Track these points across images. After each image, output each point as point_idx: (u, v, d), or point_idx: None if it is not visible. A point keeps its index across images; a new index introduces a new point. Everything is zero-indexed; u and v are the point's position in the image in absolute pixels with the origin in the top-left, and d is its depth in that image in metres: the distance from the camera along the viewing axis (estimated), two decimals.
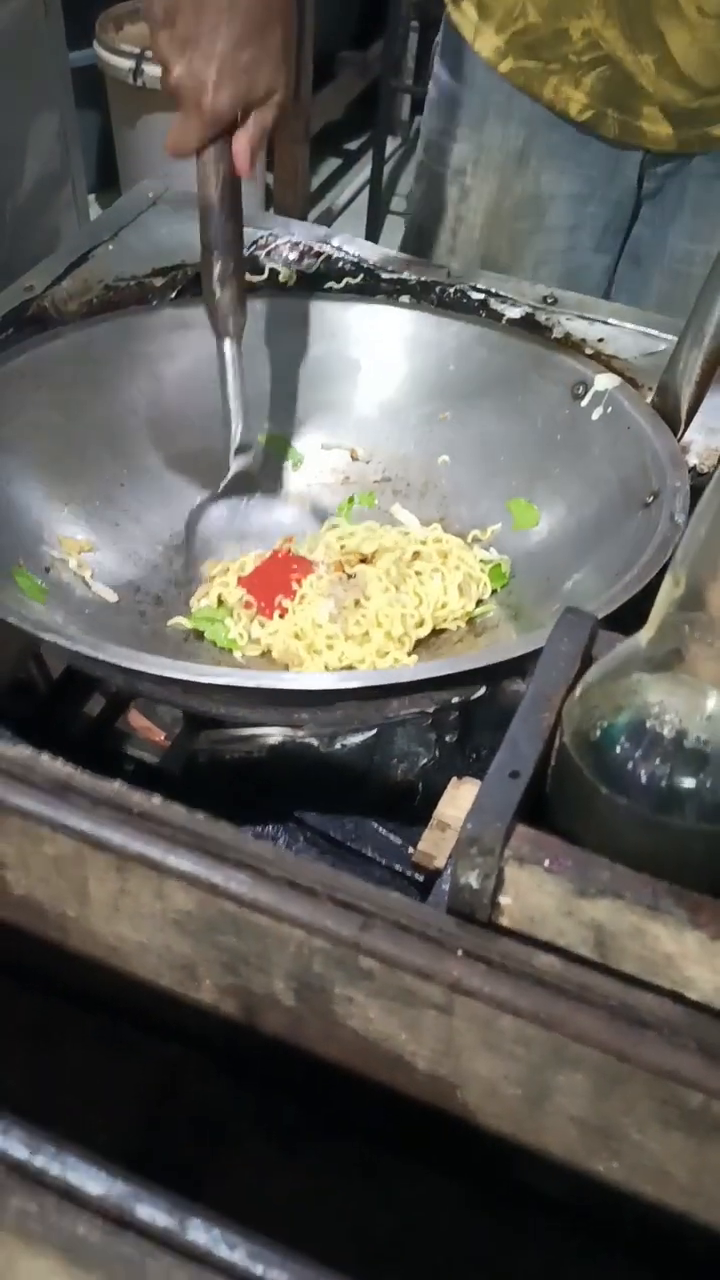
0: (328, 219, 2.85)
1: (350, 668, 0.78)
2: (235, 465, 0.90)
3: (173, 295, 1.00)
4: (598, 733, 0.43)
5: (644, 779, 0.42)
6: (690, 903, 0.41)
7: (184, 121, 0.79)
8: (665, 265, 1.15)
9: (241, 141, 0.80)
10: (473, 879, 0.43)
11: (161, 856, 0.45)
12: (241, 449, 0.90)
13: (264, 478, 0.94)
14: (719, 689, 0.41)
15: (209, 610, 0.85)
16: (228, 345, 0.87)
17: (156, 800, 0.46)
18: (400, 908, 0.44)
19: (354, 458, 0.99)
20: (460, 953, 0.43)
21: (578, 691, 0.45)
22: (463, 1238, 0.53)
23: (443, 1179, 0.56)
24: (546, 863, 0.42)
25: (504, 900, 0.44)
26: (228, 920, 0.48)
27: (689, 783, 0.41)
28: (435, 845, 0.61)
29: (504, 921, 0.45)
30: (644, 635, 0.43)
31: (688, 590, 0.40)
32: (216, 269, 0.85)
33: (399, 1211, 0.53)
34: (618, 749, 0.42)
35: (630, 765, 0.42)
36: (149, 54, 2.23)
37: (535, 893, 0.43)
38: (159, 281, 1.00)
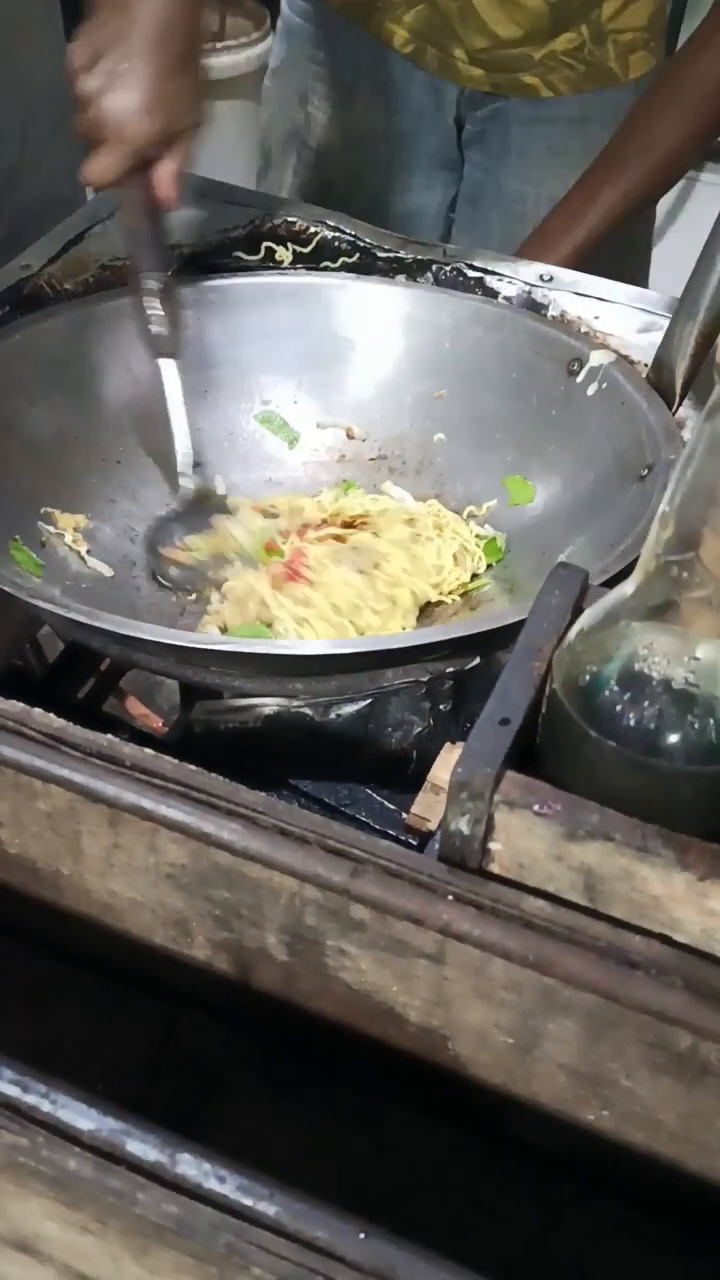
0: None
1: None
2: (186, 484, 0.90)
3: (168, 274, 1.01)
4: (587, 678, 0.43)
5: (632, 722, 0.42)
6: (678, 844, 0.41)
7: (104, 154, 0.82)
8: (503, 206, 1.23)
9: (169, 170, 0.85)
10: (463, 825, 0.43)
11: (154, 806, 0.45)
12: (193, 467, 0.90)
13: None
14: (708, 630, 0.41)
15: (253, 626, 0.84)
16: (165, 365, 0.89)
17: (148, 752, 0.47)
18: (391, 854, 0.44)
19: (350, 436, 0.99)
20: (450, 897, 0.43)
21: (568, 639, 0.45)
22: (459, 1184, 0.53)
23: (439, 1125, 0.56)
24: (536, 807, 0.42)
25: (494, 846, 0.44)
26: (220, 873, 0.48)
27: (676, 725, 0.42)
28: (428, 808, 0.62)
29: (494, 868, 0.45)
30: (632, 582, 0.43)
31: (675, 534, 0.40)
32: (148, 291, 0.88)
33: (396, 1158, 0.53)
34: (606, 693, 0.42)
35: (619, 708, 0.42)
36: None
37: (525, 837, 0.43)
38: None
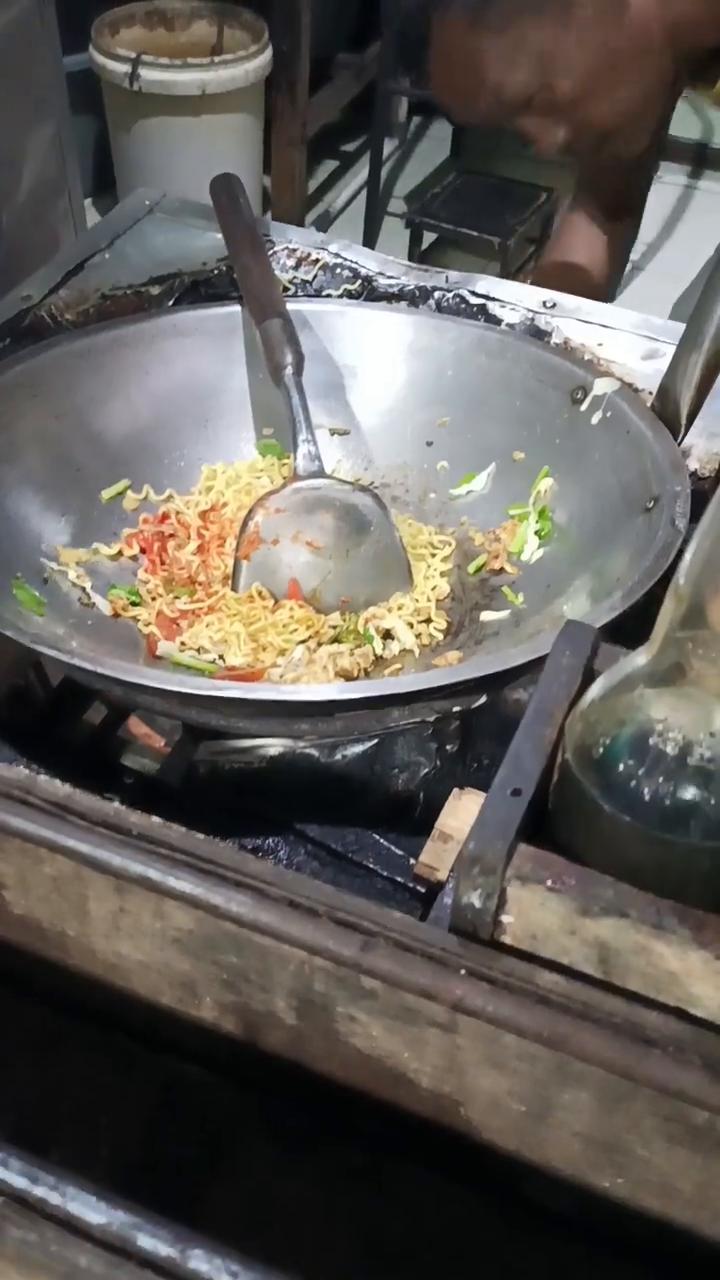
0: (325, 222, 2.85)
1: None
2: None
3: (170, 303, 1.00)
4: (600, 750, 0.43)
5: (647, 796, 0.41)
6: (694, 921, 0.40)
7: None
8: None
9: None
10: (475, 898, 0.43)
11: (161, 878, 0.45)
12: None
13: None
14: None
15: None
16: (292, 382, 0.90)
17: (155, 820, 0.46)
18: (402, 926, 0.44)
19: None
20: (463, 971, 0.42)
21: (580, 707, 0.44)
22: (471, 1242, 0.52)
23: (450, 1183, 0.55)
24: (549, 882, 0.41)
25: (506, 919, 0.43)
26: (228, 939, 0.48)
27: (693, 800, 0.41)
28: (437, 857, 0.61)
29: (507, 939, 0.44)
30: (646, 651, 0.43)
31: (690, 607, 0.39)
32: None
33: (407, 1216, 0.53)
34: (621, 766, 0.42)
35: (634, 783, 0.41)
36: (145, 58, 2.22)
37: (538, 911, 0.42)
38: (156, 290, 1.00)
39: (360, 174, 2.89)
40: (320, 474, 0.88)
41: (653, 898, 0.41)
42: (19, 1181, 0.37)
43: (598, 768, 0.43)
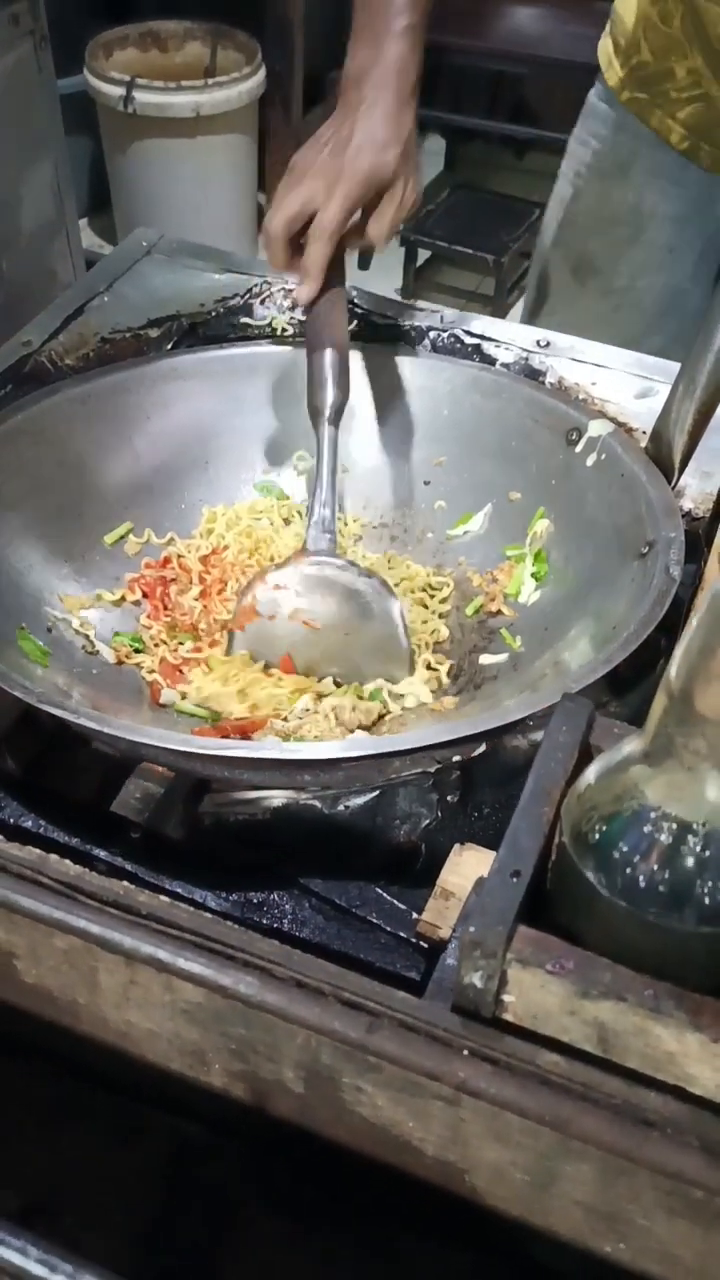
0: None
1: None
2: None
3: (169, 346, 1.01)
4: (596, 835, 0.44)
5: (643, 882, 0.42)
6: (691, 1005, 0.41)
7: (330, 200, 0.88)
8: None
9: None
10: (477, 979, 0.44)
11: (171, 959, 0.46)
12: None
13: None
14: (715, 794, 0.42)
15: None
16: (328, 432, 0.89)
17: (163, 899, 0.47)
18: (406, 1007, 0.45)
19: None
20: (466, 1052, 0.43)
21: (577, 789, 0.46)
22: None
23: (457, 1254, 0.56)
24: (549, 966, 0.42)
25: (508, 998, 0.44)
26: (236, 1013, 0.49)
27: (688, 886, 0.42)
28: (439, 915, 0.62)
29: (508, 1017, 0.45)
30: (641, 738, 0.44)
31: (681, 698, 0.40)
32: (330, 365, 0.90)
33: None
34: (616, 853, 0.43)
35: (629, 869, 0.43)
36: (139, 81, 2.23)
37: (538, 992, 0.44)
38: (154, 333, 1.01)
39: None
40: (330, 553, 0.85)
41: (650, 980, 0.42)
42: (37, 1270, 0.38)
43: (594, 852, 0.44)
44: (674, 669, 0.40)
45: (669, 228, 1.20)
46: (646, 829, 0.42)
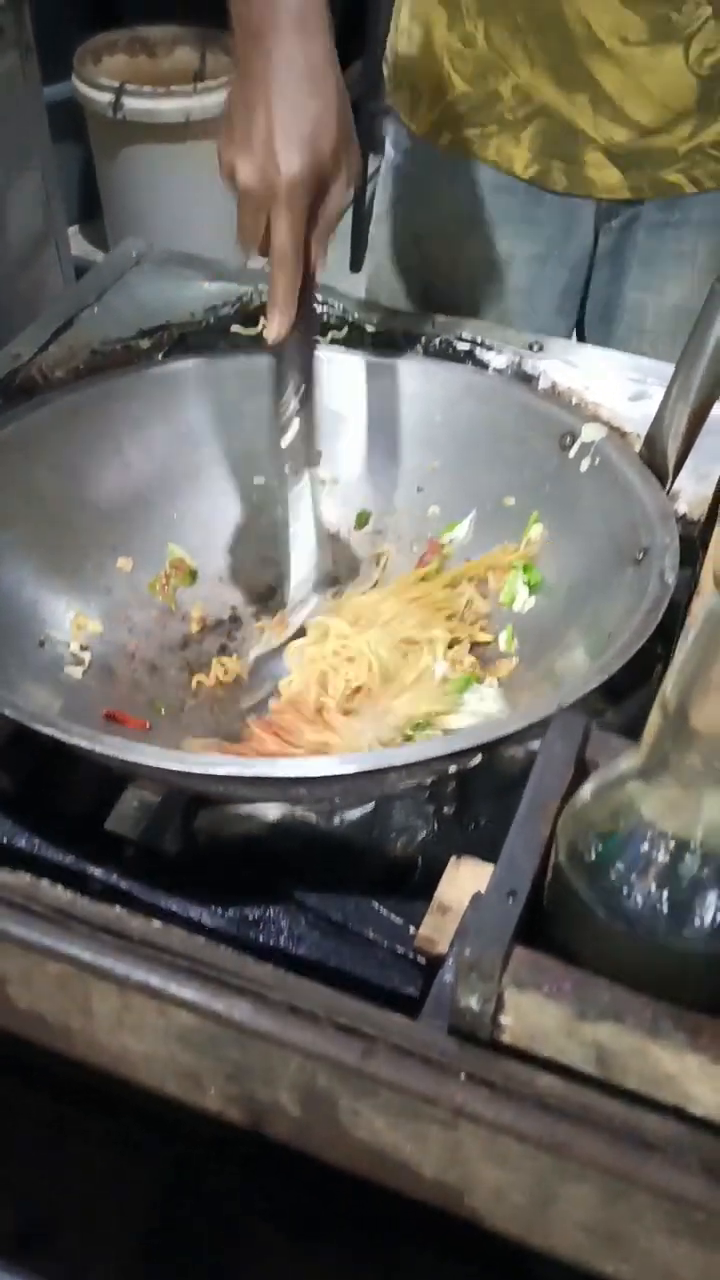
0: None
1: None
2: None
3: (159, 357, 1.01)
4: (593, 854, 0.43)
5: (640, 902, 0.42)
6: (690, 1025, 0.41)
7: (278, 233, 0.77)
8: (622, 319, 1.14)
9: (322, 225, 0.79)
10: (473, 1002, 0.43)
11: (163, 984, 0.45)
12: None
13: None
14: (714, 809, 0.41)
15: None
16: (298, 478, 0.88)
17: (156, 925, 0.47)
18: (401, 1030, 0.44)
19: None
20: (463, 1076, 0.43)
21: (573, 807, 0.45)
22: None
23: (459, 1267, 0.56)
24: (545, 987, 0.42)
25: (505, 1020, 0.44)
26: (231, 1037, 0.48)
27: (685, 905, 0.42)
28: (437, 929, 0.62)
29: (506, 1039, 0.45)
30: (637, 754, 0.43)
31: (677, 715, 0.40)
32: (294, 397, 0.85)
33: None
34: (613, 872, 0.42)
35: (626, 888, 0.42)
36: (128, 87, 2.22)
37: (536, 1014, 0.43)
38: (145, 343, 1.01)
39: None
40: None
41: (649, 1001, 0.42)
42: None
43: (590, 871, 0.43)
44: (669, 685, 0.40)
45: (528, 268, 1.12)
46: (643, 847, 0.42)
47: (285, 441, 0.87)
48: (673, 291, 1.10)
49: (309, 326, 0.85)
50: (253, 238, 0.79)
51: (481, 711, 0.81)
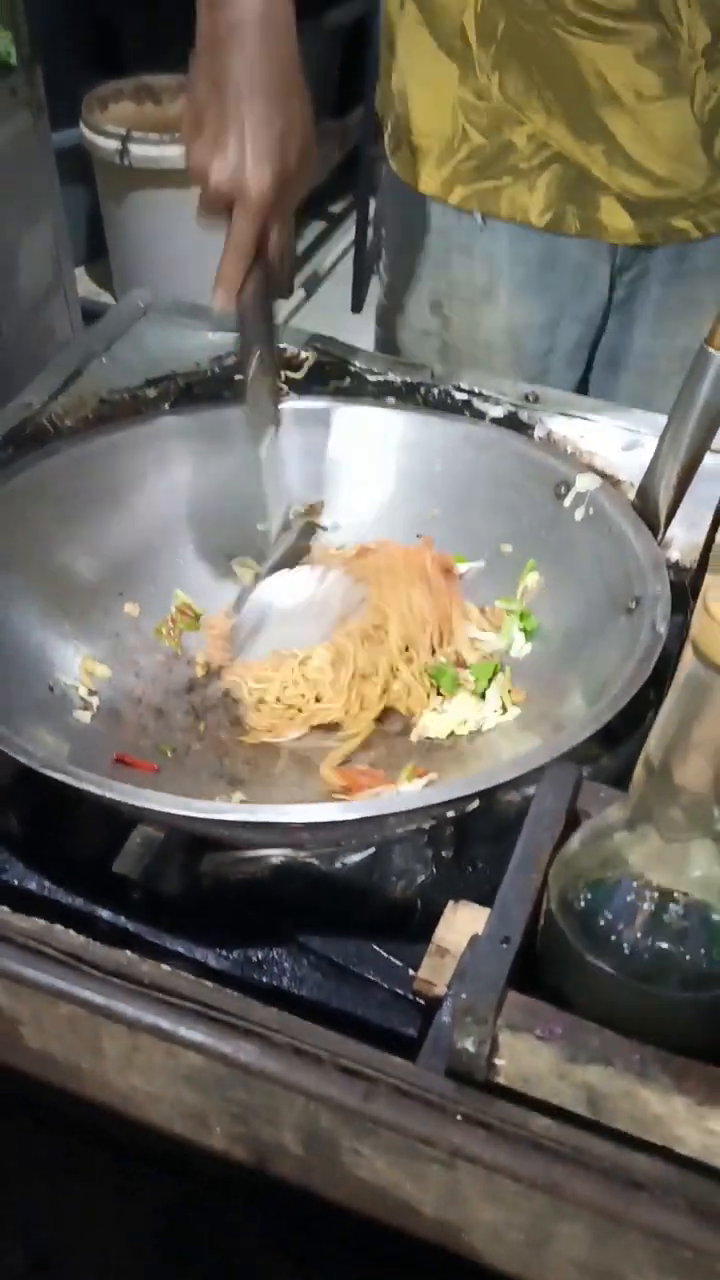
0: (314, 283, 2.89)
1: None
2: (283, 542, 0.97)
3: (166, 406, 1.03)
4: (582, 903, 0.45)
5: (628, 949, 0.44)
6: (676, 1069, 0.43)
7: (238, 226, 0.82)
8: (631, 365, 1.17)
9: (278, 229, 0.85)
10: (469, 1044, 0.45)
11: (172, 1027, 0.47)
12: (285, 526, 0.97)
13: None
14: (697, 861, 0.43)
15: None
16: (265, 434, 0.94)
17: (165, 969, 0.49)
18: (402, 1073, 0.46)
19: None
20: (459, 1117, 0.45)
21: (563, 856, 0.47)
22: None
23: None
24: (537, 1031, 0.44)
25: (499, 1063, 0.46)
26: (236, 1079, 0.50)
27: (671, 952, 0.43)
28: (434, 972, 0.63)
29: (501, 1080, 0.47)
30: (623, 807, 0.45)
31: (660, 771, 0.42)
32: (255, 363, 0.92)
33: None
34: (601, 921, 0.44)
35: (614, 936, 0.44)
36: (134, 134, 2.27)
37: (528, 1057, 0.45)
38: (152, 392, 1.03)
39: (347, 234, 2.94)
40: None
41: (637, 1045, 0.43)
42: None
43: (579, 919, 0.45)
44: (652, 743, 0.42)
45: (542, 335, 1.14)
46: (629, 897, 0.44)
47: (249, 407, 0.95)
48: (683, 334, 1.12)
49: (268, 302, 0.92)
50: (213, 219, 0.84)
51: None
